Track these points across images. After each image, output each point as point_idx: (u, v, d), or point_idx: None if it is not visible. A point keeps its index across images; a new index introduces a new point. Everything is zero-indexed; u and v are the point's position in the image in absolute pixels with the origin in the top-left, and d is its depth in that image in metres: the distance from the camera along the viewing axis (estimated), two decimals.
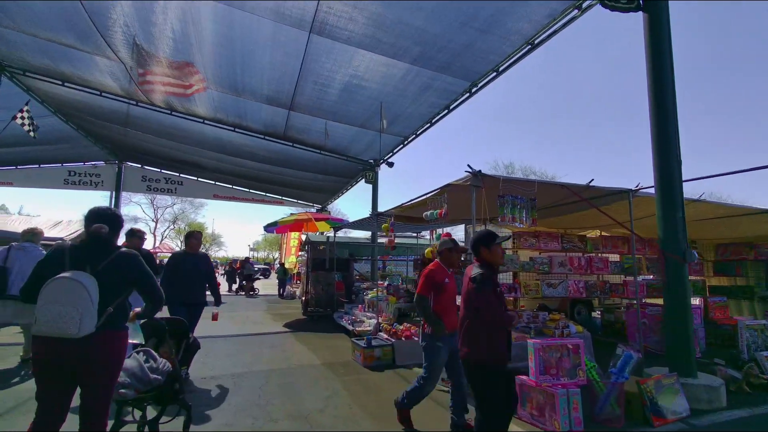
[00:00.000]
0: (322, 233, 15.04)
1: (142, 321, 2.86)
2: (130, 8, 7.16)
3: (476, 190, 4.06)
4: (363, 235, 22.79)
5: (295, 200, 20.33)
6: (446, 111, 9.06)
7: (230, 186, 19.98)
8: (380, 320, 6.80)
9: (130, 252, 2.45)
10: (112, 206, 18.94)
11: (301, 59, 7.86)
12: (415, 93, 8.58)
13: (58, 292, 2.09)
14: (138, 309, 2.70)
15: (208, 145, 13.98)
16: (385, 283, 10.91)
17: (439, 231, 4.72)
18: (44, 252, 5.71)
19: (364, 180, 12.90)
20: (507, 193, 4.20)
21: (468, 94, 8.12)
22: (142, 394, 2.69)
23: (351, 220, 12.35)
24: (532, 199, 4.35)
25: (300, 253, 22.73)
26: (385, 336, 5.90)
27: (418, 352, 5.71)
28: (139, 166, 19.27)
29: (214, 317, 5.10)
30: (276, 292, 16.81)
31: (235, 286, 19.48)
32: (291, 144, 12.57)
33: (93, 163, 18.92)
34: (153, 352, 2.91)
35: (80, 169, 18.79)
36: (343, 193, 17.87)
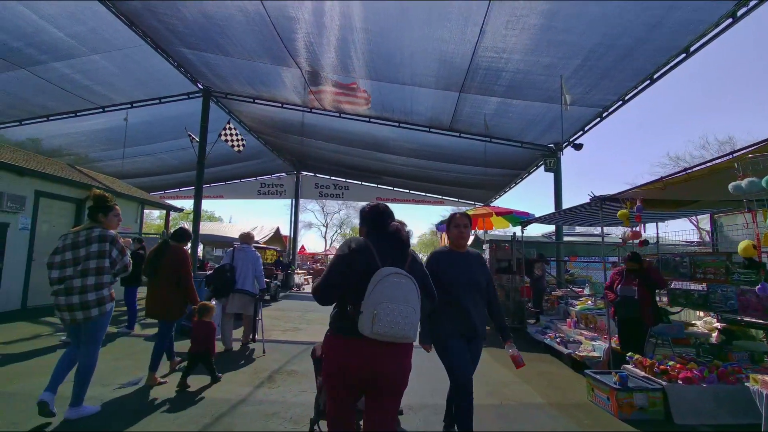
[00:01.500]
0: (485, 231, 13.44)
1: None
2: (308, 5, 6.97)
3: None
4: (534, 232, 20.18)
5: (456, 199, 19.15)
6: (683, 56, 6.48)
7: (391, 188, 20.05)
8: (612, 344, 4.87)
9: (413, 250, 2.25)
10: (292, 212, 20.91)
11: (481, 21, 6.49)
12: (634, 37, 6.31)
13: (399, 289, 1.88)
14: None
15: (372, 145, 13.88)
16: (584, 290, 8.70)
17: None
18: (257, 252, 6.15)
19: (544, 167, 10.81)
20: None
21: (729, 20, 5.50)
22: None
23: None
24: None
25: None
26: (641, 372, 4.01)
27: (707, 407, 3.65)
28: (312, 174, 20.91)
29: (516, 360, 3.16)
30: None
31: None
32: (458, 134, 11.39)
33: (277, 175, 21.32)
34: None
35: (269, 180, 21.36)
36: (510, 188, 15.89)
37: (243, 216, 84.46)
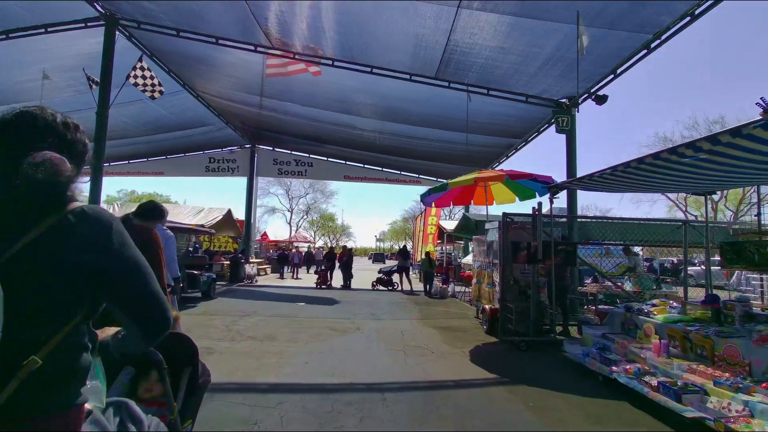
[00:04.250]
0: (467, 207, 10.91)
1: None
2: None
3: None
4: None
5: (435, 179, 16.56)
6: None
7: (361, 165, 17.22)
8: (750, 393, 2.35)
9: (97, 210, 1.00)
10: (248, 193, 17.71)
11: None
12: None
13: None
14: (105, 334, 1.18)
15: (337, 103, 10.92)
16: (624, 284, 6.24)
17: None
18: (169, 232, 4.54)
19: (555, 127, 8.30)
20: None
21: None
22: None
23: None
24: None
25: (438, 241, 19.06)
26: None
27: None
28: (270, 148, 17.71)
29: None
30: (412, 287, 13.19)
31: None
32: (447, 84, 8.67)
33: (229, 148, 17.96)
34: (133, 405, 1.29)
35: (219, 155, 17.97)
36: (504, 160, 13.46)
37: (200, 198, 79.41)
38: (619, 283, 6.28)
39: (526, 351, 5.10)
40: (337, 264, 13.46)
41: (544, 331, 5.64)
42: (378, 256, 40.48)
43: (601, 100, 7.75)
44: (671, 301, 4.28)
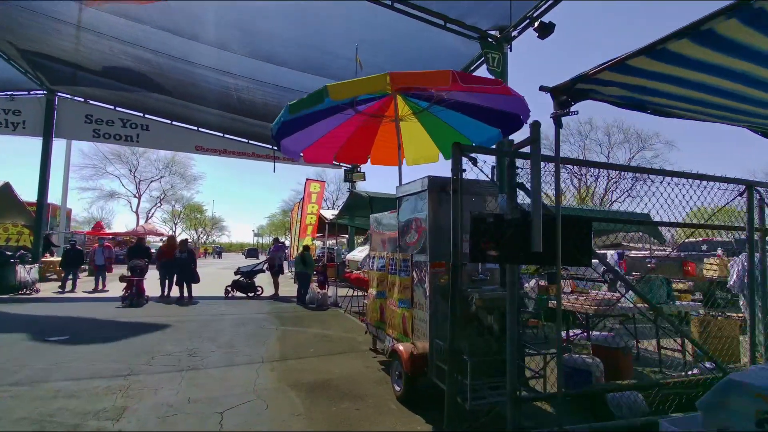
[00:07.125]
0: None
1: None
2: None
3: None
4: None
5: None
6: None
7: (220, 134, 12.69)
8: None
9: None
10: (42, 163, 11.17)
11: None
12: None
13: None
14: None
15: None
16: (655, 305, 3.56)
17: None
18: None
19: (486, 66, 5.63)
20: None
21: None
22: None
23: None
24: None
25: (317, 234, 15.58)
26: None
27: None
28: (82, 100, 11.87)
29: None
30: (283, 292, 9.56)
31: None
32: None
33: (8, 93, 11.52)
34: None
35: None
36: None
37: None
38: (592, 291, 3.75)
39: None
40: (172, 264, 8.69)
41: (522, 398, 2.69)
42: (252, 252, 35.07)
43: (545, 30, 5.27)
44: None
